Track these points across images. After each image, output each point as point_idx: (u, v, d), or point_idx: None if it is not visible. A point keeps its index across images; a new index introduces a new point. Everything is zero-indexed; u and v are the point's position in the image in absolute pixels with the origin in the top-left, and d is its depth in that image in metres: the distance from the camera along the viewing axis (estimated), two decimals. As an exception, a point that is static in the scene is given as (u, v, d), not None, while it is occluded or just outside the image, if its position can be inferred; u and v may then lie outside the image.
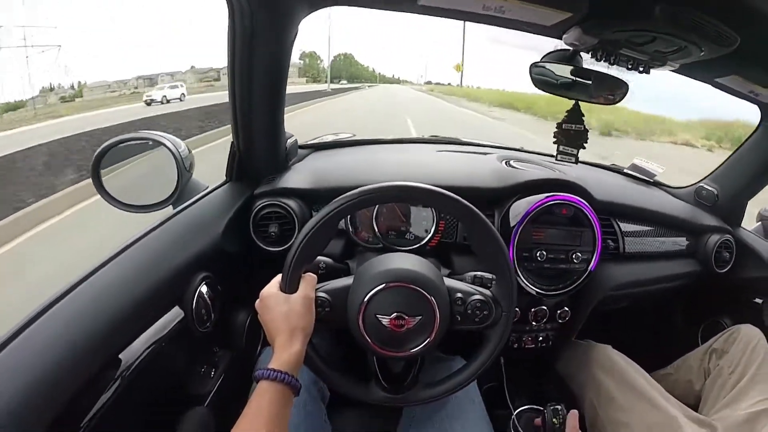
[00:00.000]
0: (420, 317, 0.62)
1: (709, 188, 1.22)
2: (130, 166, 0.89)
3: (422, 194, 0.64)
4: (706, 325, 1.25)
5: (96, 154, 0.83)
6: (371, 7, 0.70)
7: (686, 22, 0.60)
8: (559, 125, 0.90)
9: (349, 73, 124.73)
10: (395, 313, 0.62)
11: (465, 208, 0.64)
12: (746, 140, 1.15)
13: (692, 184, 1.28)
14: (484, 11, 0.65)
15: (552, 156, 1.15)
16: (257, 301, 0.64)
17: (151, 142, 0.86)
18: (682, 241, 1.16)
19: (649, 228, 1.12)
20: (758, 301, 1.17)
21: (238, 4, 0.66)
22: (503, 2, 0.63)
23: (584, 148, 0.92)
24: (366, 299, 0.62)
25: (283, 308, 0.60)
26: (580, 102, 0.88)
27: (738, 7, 0.55)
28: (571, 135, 0.90)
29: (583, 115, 0.90)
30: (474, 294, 0.66)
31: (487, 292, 0.67)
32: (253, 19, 0.68)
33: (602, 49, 0.76)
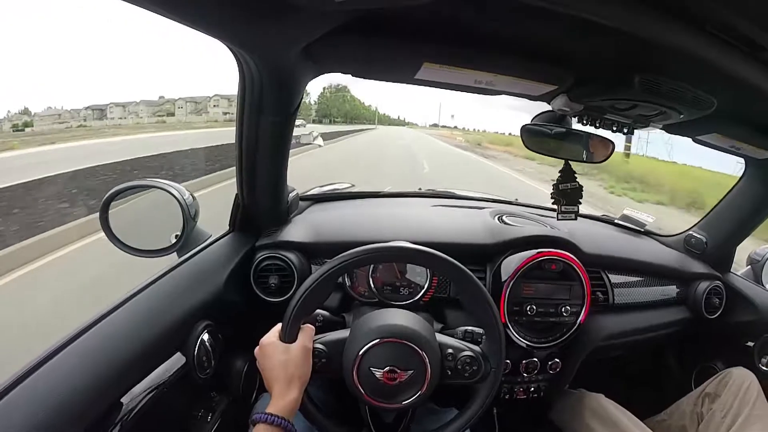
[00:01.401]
0: (412, 371, 0.65)
1: (698, 236, 1.24)
2: (129, 205, 0.91)
3: (416, 255, 0.68)
4: (699, 370, 1.25)
5: (105, 198, 0.86)
6: (369, 78, 0.74)
7: (664, 90, 0.64)
8: (555, 186, 0.94)
9: (342, 111, 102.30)
10: (388, 367, 0.65)
11: (456, 269, 0.67)
12: (732, 188, 1.18)
13: (682, 233, 1.31)
14: (476, 84, 0.69)
15: (544, 208, 1.18)
16: (257, 348, 0.67)
17: (157, 190, 0.90)
18: (672, 290, 1.18)
19: (638, 278, 1.14)
20: (750, 344, 1.17)
21: (248, 68, 0.69)
22: (493, 77, 0.67)
23: (581, 203, 0.96)
24: (361, 353, 0.65)
25: (282, 357, 0.63)
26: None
27: (711, 73, 0.58)
28: (568, 193, 0.93)
29: (576, 174, 0.93)
30: (464, 350, 0.69)
31: (476, 348, 0.70)
32: (262, 85, 0.71)
33: (588, 115, 0.80)
